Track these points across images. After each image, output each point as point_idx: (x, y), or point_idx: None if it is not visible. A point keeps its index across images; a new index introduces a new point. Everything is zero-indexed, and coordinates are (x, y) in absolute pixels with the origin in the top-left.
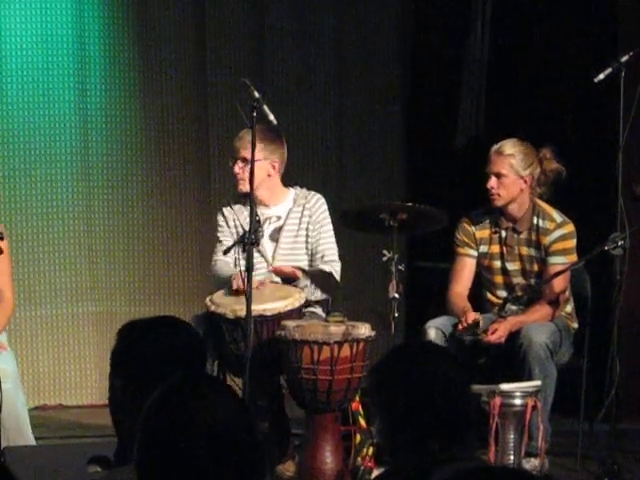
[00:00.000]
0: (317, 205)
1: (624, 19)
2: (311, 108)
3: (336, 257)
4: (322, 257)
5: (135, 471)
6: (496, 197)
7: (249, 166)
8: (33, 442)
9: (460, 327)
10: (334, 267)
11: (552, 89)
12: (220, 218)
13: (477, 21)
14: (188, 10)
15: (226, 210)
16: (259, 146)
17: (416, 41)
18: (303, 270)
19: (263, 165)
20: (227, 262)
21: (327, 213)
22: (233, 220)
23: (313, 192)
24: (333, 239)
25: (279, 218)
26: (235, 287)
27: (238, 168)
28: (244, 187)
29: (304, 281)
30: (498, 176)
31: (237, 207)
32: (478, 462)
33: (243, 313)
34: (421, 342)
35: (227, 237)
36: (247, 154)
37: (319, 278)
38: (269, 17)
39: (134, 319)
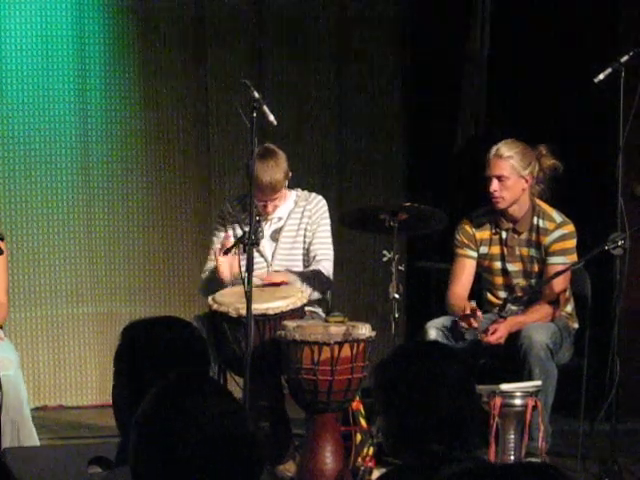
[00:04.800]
0: (317, 207)
1: (624, 19)
2: (311, 110)
3: (328, 256)
4: (314, 257)
5: (130, 472)
6: (499, 200)
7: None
8: (35, 437)
9: (460, 317)
10: (324, 265)
11: (552, 89)
12: (219, 220)
13: (477, 20)
14: (188, 11)
15: (227, 213)
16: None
17: (416, 41)
18: (294, 272)
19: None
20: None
21: (326, 214)
22: (232, 223)
23: (314, 194)
24: (328, 239)
25: (280, 219)
26: (220, 246)
27: (271, 207)
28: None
29: (296, 284)
30: (500, 179)
31: (238, 208)
32: (481, 462)
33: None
34: (425, 341)
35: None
36: (276, 193)
37: (309, 279)
38: (269, 18)
39: (137, 319)
